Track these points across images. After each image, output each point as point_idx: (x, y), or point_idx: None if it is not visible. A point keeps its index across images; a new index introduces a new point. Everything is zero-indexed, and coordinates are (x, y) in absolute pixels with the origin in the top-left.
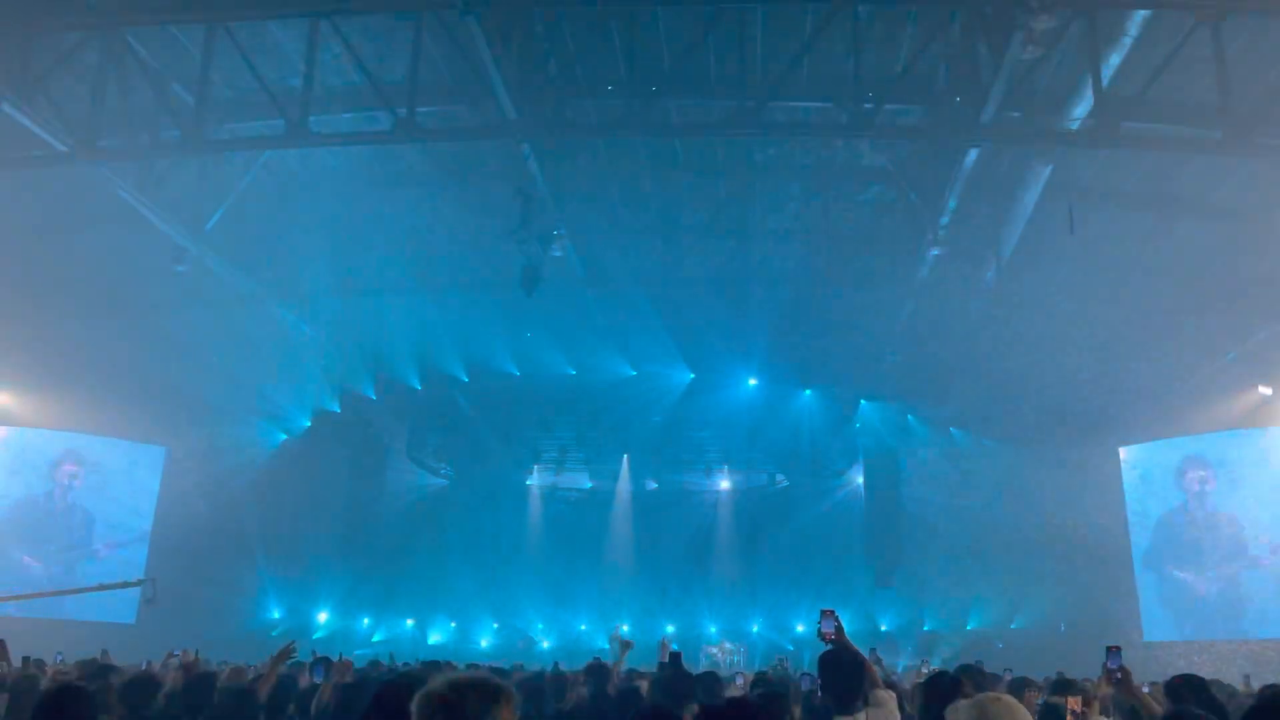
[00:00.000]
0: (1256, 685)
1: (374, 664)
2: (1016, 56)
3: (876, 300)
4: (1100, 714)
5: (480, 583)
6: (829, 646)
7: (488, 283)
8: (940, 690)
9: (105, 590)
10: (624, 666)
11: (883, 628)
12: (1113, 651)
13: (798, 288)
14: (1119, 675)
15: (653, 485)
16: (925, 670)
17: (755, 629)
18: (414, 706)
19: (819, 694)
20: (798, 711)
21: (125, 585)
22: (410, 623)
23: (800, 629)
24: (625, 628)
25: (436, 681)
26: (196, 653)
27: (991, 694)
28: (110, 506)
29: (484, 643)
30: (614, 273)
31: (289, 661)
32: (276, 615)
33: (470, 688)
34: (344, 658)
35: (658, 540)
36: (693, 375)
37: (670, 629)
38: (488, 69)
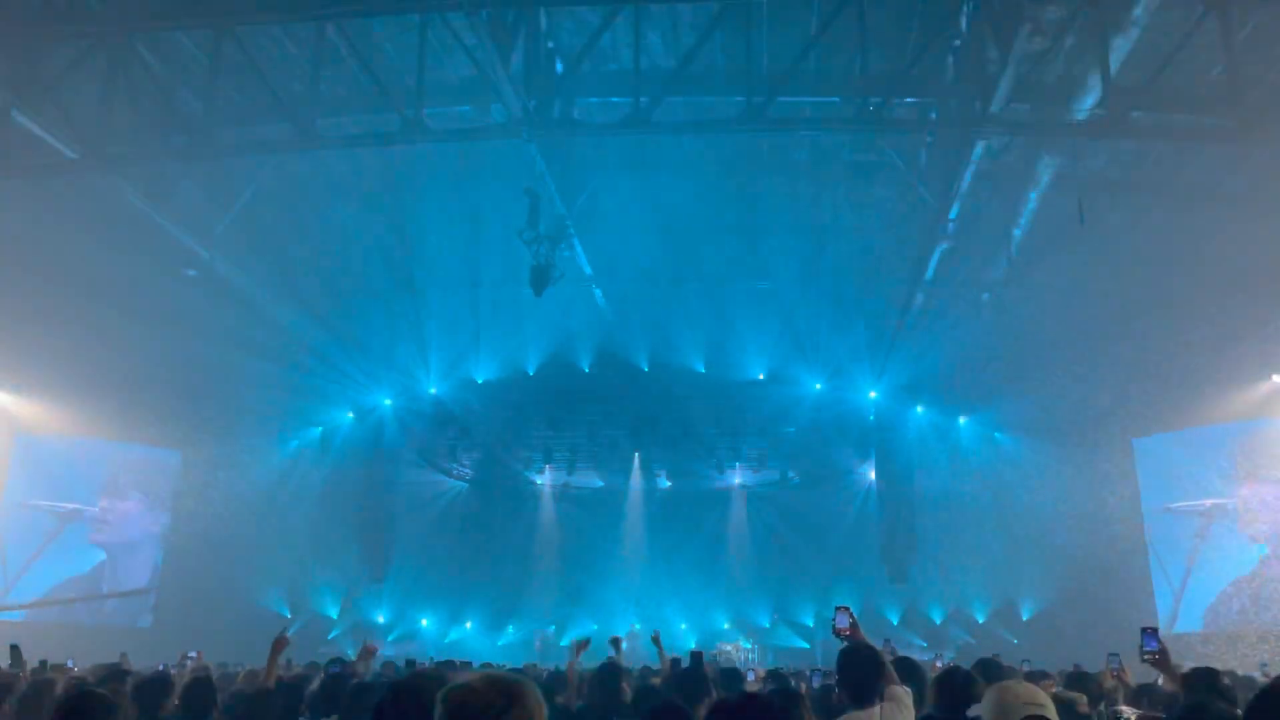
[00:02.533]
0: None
1: (387, 665)
2: (1024, 47)
3: (886, 294)
4: (1112, 705)
5: (495, 582)
6: (844, 642)
7: (496, 282)
8: (954, 686)
9: (108, 599)
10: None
11: (893, 621)
12: (1148, 633)
13: (807, 283)
14: (1158, 656)
15: (664, 483)
16: (939, 664)
17: (768, 625)
18: (439, 703)
19: (836, 690)
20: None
21: (129, 594)
22: (425, 622)
23: (811, 624)
24: (638, 626)
25: (462, 679)
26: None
27: (1011, 680)
28: (128, 508)
29: (500, 642)
30: (622, 270)
31: (305, 662)
32: (288, 615)
33: (496, 686)
34: (368, 643)
35: (670, 538)
36: (703, 371)
37: (683, 625)
38: (494, 69)
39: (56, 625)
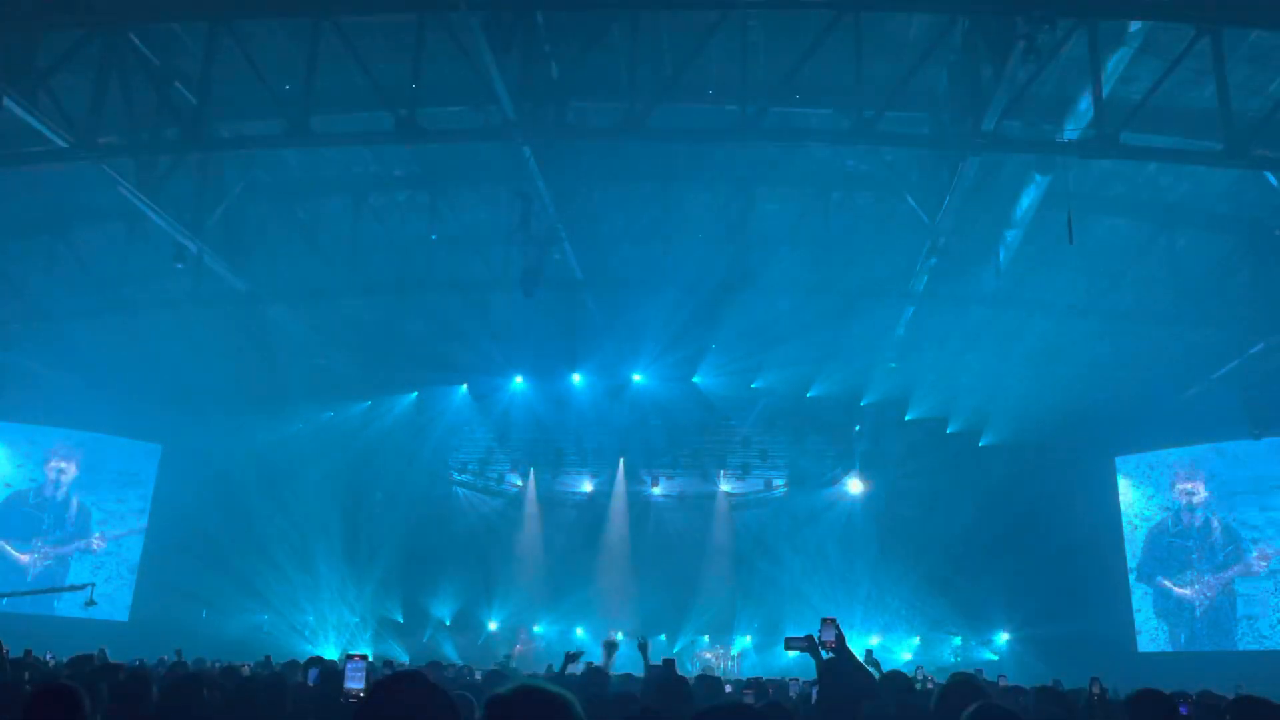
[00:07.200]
0: None
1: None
2: (1017, 66)
3: (876, 307)
4: None
5: (477, 584)
6: (829, 654)
7: (485, 285)
8: (960, 696)
9: (46, 594)
10: (613, 666)
11: (875, 640)
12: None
13: (798, 294)
14: None
15: (649, 490)
16: (920, 677)
17: (749, 636)
18: (483, 709)
19: (814, 700)
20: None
21: (71, 589)
22: (402, 621)
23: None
24: (620, 634)
25: (507, 689)
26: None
27: (987, 703)
28: (105, 501)
29: (479, 641)
30: (613, 275)
31: (283, 661)
32: (265, 616)
33: (538, 699)
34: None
35: (653, 545)
36: (695, 379)
37: (662, 636)
38: (489, 71)
39: (36, 618)
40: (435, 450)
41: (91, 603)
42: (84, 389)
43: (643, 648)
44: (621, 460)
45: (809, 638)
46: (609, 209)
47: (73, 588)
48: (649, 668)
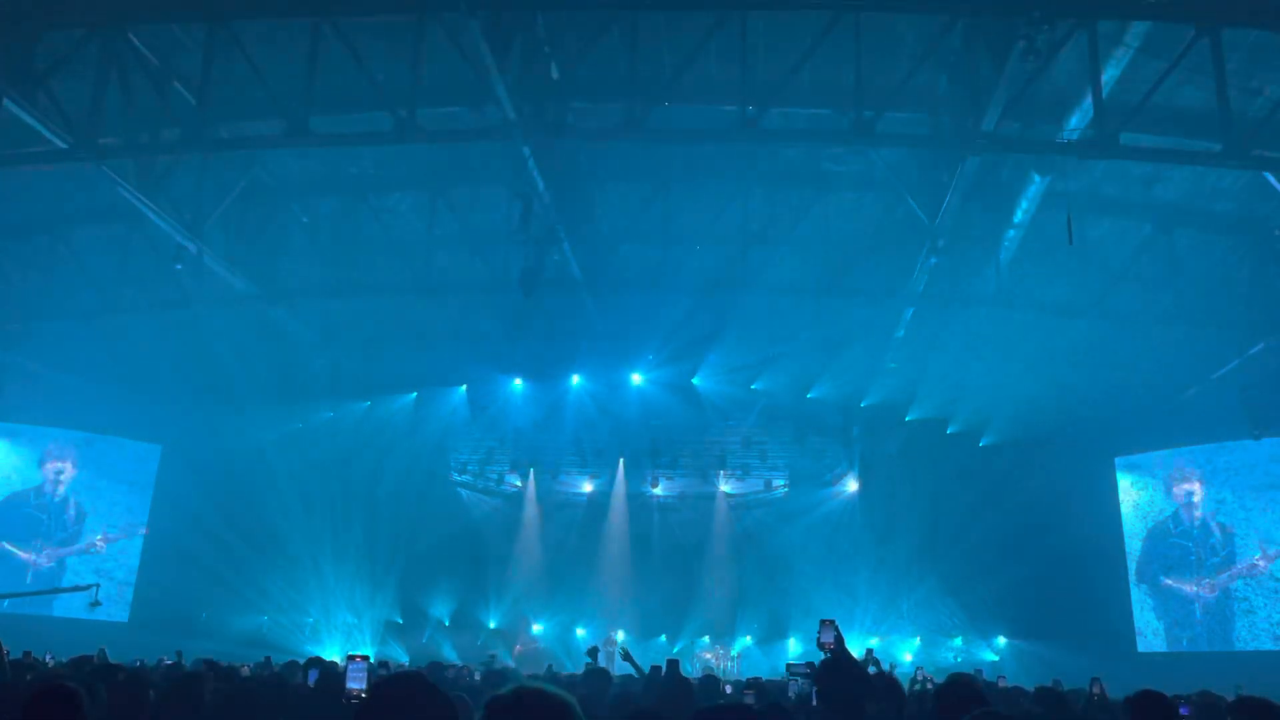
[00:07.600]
0: None
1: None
2: (1017, 66)
3: (876, 308)
4: None
5: (476, 584)
6: (827, 655)
7: (485, 285)
8: (958, 697)
9: (51, 594)
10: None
11: (874, 641)
12: None
13: (797, 295)
14: None
15: (649, 490)
16: (920, 677)
17: (749, 637)
18: (484, 712)
19: (814, 702)
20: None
21: (76, 589)
22: (401, 621)
23: (792, 643)
24: (620, 634)
25: (507, 690)
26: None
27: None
28: (104, 502)
29: (479, 641)
30: (613, 275)
31: (283, 661)
32: (265, 617)
33: (539, 701)
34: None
35: (653, 546)
36: (694, 380)
37: (663, 637)
38: (489, 71)
39: (34, 619)
40: (435, 450)
41: (97, 603)
42: (84, 389)
43: (626, 658)
44: (621, 460)
45: (809, 665)
46: (609, 209)
47: (78, 588)
48: (641, 673)
